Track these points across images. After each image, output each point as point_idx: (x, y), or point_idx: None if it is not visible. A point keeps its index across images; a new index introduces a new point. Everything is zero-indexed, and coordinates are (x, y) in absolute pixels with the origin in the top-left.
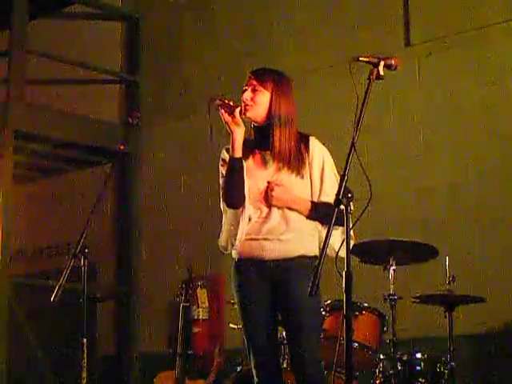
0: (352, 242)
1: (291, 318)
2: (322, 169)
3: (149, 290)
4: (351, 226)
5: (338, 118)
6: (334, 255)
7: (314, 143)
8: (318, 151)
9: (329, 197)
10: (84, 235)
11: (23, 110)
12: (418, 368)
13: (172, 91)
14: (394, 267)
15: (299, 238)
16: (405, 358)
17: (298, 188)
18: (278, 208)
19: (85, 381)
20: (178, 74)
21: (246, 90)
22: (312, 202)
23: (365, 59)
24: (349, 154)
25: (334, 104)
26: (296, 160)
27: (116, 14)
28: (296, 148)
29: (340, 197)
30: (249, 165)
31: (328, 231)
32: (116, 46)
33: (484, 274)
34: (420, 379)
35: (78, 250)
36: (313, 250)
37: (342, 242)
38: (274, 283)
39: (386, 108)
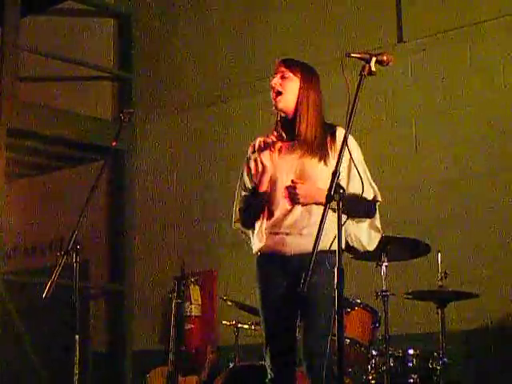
0: (379, 235)
1: (308, 310)
2: (349, 161)
3: (141, 287)
4: (343, 221)
5: (331, 115)
6: (362, 250)
7: (341, 133)
8: (352, 146)
9: (355, 188)
10: (76, 232)
11: (16, 107)
12: (411, 364)
13: (164, 88)
14: (386, 263)
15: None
16: (397, 354)
17: (320, 174)
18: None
19: (77, 377)
20: (170, 70)
21: (274, 76)
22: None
23: (356, 55)
24: (340, 151)
25: (327, 101)
26: (319, 147)
27: (108, 11)
28: (321, 136)
29: (332, 193)
30: (274, 158)
31: (320, 227)
32: (108, 43)
33: (476, 271)
34: (412, 375)
35: (70, 247)
36: (327, 241)
37: (336, 239)
38: (294, 277)
39: (379, 105)
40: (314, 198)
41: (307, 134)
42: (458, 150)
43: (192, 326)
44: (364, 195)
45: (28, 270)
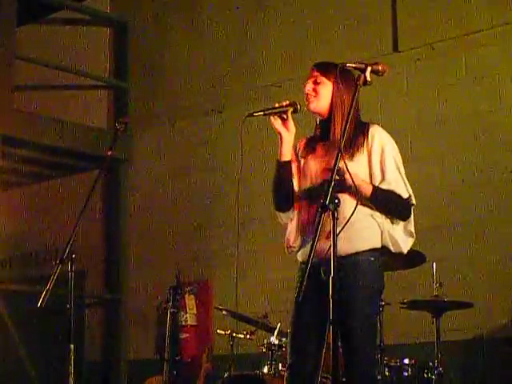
0: (412, 240)
1: (344, 322)
2: (381, 156)
3: (137, 296)
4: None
5: None
6: (396, 251)
7: (374, 130)
8: (377, 138)
9: (390, 185)
10: (71, 241)
11: (11, 115)
12: (406, 374)
13: (160, 96)
14: None
15: (352, 235)
16: (392, 363)
17: (357, 172)
18: None
19: None
20: (166, 79)
21: (308, 82)
22: (373, 186)
23: (352, 65)
24: (335, 160)
25: None
26: (350, 145)
27: (104, 20)
28: (353, 134)
29: (327, 202)
30: (310, 163)
31: (316, 230)
32: (104, 52)
33: (471, 280)
34: None
35: (65, 256)
36: (368, 243)
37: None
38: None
39: (374, 114)
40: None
41: (338, 138)
42: (454, 159)
43: (187, 335)
44: (398, 192)
45: (22, 279)
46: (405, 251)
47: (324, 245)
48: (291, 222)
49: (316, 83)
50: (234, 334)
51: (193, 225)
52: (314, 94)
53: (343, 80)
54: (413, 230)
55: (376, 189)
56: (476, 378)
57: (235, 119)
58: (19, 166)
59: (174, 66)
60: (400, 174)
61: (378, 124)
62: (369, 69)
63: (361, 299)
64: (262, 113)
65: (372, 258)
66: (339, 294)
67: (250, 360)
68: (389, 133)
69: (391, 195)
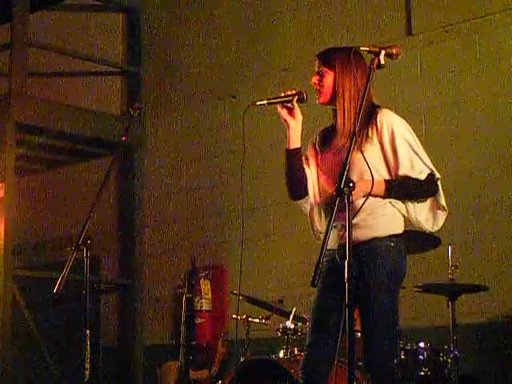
0: (444, 214)
1: (361, 309)
2: (392, 140)
3: (152, 282)
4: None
5: None
6: (426, 230)
7: (383, 114)
8: (386, 123)
9: (405, 169)
10: (86, 227)
11: (25, 102)
12: (421, 357)
13: (173, 82)
14: None
15: (369, 223)
16: (408, 347)
17: (358, 163)
18: None
19: (88, 372)
20: (179, 64)
21: (314, 75)
22: (386, 182)
23: (366, 49)
24: (350, 144)
25: None
26: (360, 135)
27: (117, 6)
28: (361, 123)
29: (342, 186)
30: (326, 156)
31: (329, 221)
32: (117, 38)
33: (487, 263)
34: (423, 368)
35: (80, 242)
36: (387, 229)
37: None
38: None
39: (388, 98)
40: (366, 194)
41: (345, 125)
42: (468, 142)
43: (202, 320)
44: (415, 175)
45: (38, 265)
46: (434, 229)
47: (341, 232)
48: (312, 210)
49: (319, 75)
50: (250, 319)
51: (207, 210)
52: (318, 87)
53: (344, 66)
54: (444, 203)
55: (388, 186)
56: (492, 362)
57: (248, 104)
58: (34, 152)
59: (186, 51)
60: (415, 152)
61: (389, 108)
62: (383, 52)
63: (378, 286)
64: (265, 102)
65: (391, 244)
66: (357, 281)
67: (265, 345)
68: (403, 116)
69: (407, 183)
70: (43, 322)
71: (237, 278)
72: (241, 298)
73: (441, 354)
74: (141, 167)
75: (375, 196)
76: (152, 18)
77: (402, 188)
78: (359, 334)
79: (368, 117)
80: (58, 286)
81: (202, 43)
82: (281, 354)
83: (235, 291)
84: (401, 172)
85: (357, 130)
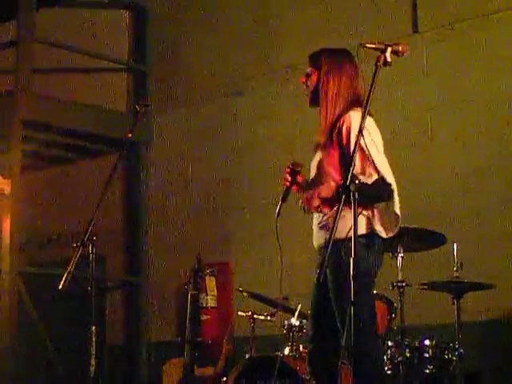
0: (394, 221)
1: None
2: (347, 144)
3: (157, 279)
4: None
5: None
6: (387, 236)
7: (351, 117)
8: (353, 126)
9: (356, 170)
10: (92, 224)
11: (31, 99)
12: (427, 355)
13: (179, 79)
14: (402, 254)
15: (330, 223)
16: (413, 344)
17: (327, 166)
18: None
19: (93, 368)
20: (185, 61)
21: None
22: (337, 186)
23: (372, 46)
24: (356, 140)
25: None
26: (331, 137)
27: (123, 3)
28: (335, 124)
29: (348, 183)
30: (314, 157)
31: (336, 215)
32: (124, 35)
33: (492, 261)
34: (428, 366)
35: (86, 239)
36: (343, 230)
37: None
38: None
39: (394, 95)
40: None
41: (324, 124)
42: (474, 140)
43: (208, 317)
44: (364, 179)
45: (44, 262)
46: (389, 235)
47: (319, 233)
48: None
49: (307, 75)
50: (255, 316)
51: (213, 207)
52: (306, 87)
53: (328, 66)
54: (397, 211)
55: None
56: (497, 359)
57: (254, 101)
58: (39, 149)
59: (193, 48)
60: (370, 155)
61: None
62: (389, 49)
63: (343, 284)
64: (283, 202)
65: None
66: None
67: (270, 342)
68: (409, 114)
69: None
70: (49, 319)
71: (242, 275)
72: (246, 294)
73: (446, 352)
74: (146, 164)
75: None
76: (158, 15)
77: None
78: None
79: (339, 121)
80: (64, 282)
81: (208, 41)
82: (286, 351)
83: (240, 288)
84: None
85: (324, 133)
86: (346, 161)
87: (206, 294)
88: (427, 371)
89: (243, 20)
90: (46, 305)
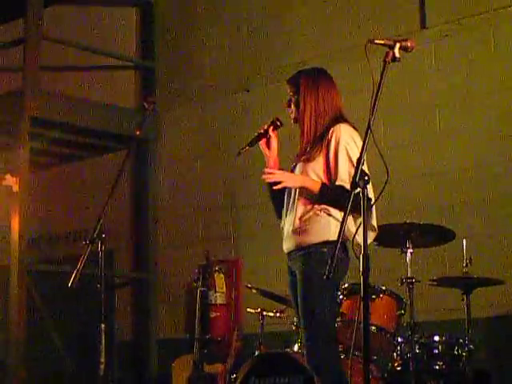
0: (372, 234)
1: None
2: (335, 153)
3: (166, 276)
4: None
5: (353, 103)
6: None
7: (336, 129)
8: (335, 136)
9: (342, 182)
10: (101, 221)
11: (39, 96)
12: (436, 351)
13: (187, 76)
14: (411, 250)
15: (302, 230)
16: (422, 340)
17: (311, 176)
18: (293, 201)
19: (103, 366)
20: (192, 58)
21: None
22: (323, 184)
23: (380, 42)
24: (365, 138)
25: (349, 89)
26: (313, 150)
27: (130, 0)
28: (318, 137)
29: (357, 179)
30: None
31: (344, 216)
32: (131, 32)
33: (501, 257)
34: (438, 362)
35: (95, 236)
36: (319, 236)
37: (359, 226)
38: (293, 274)
39: (402, 91)
40: (300, 181)
41: (306, 141)
42: (482, 135)
43: (217, 314)
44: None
45: (52, 259)
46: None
47: (291, 237)
48: None
49: (290, 99)
50: (264, 313)
51: (221, 203)
52: (289, 111)
53: (307, 85)
54: (374, 224)
55: (322, 188)
56: (506, 355)
57: (262, 98)
58: (48, 147)
59: (200, 44)
60: (343, 162)
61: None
62: (397, 45)
63: (309, 291)
64: (247, 147)
65: (325, 250)
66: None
67: (279, 338)
68: (417, 109)
69: (340, 192)
70: (58, 316)
71: (251, 272)
72: (255, 291)
73: (455, 348)
74: (155, 161)
75: (311, 196)
76: (166, 12)
77: (334, 195)
78: (373, 328)
79: (324, 134)
80: (74, 279)
81: (216, 37)
82: (295, 348)
83: (249, 285)
84: (337, 183)
85: (307, 144)
86: (329, 170)
87: (215, 291)
88: (437, 367)
89: (251, 16)
90: (55, 302)
